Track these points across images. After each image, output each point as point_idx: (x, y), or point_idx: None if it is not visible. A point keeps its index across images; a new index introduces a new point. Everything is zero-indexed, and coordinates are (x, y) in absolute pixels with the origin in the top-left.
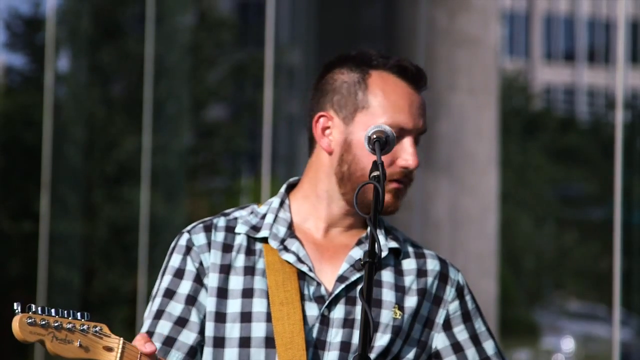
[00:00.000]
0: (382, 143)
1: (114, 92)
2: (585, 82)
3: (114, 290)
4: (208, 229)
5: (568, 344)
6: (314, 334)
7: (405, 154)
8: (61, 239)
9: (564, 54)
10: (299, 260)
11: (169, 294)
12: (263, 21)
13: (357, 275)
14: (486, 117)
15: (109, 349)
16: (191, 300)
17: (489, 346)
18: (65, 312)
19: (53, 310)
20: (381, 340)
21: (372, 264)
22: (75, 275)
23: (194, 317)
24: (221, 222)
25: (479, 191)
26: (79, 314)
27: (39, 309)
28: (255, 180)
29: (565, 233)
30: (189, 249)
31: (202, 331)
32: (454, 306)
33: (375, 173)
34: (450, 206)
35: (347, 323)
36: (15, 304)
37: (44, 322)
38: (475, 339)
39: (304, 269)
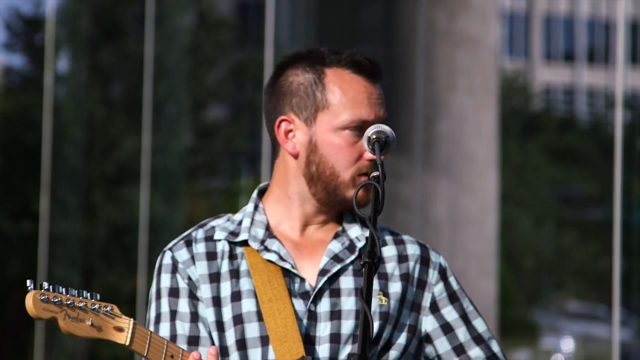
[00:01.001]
0: (382, 143)
1: (113, 92)
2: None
3: (113, 291)
4: (188, 243)
5: (568, 344)
6: (303, 330)
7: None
8: (61, 239)
9: (563, 54)
10: (281, 258)
11: (174, 315)
12: (263, 21)
13: (338, 266)
14: (486, 117)
15: (120, 329)
16: (195, 316)
17: (479, 324)
18: (76, 291)
19: (64, 289)
20: (378, 329)
21: (371, 264)
22: (74, 276)
23: (203, 332)
24: (200, 234)
25: (478, 191)
26: (89, 294)
27: (51, 287)
28: (254, 180)
29: (565, 233)
30: (174, 266)
31: (213, 342)
32: (439, 288)
33: (375, 173)
34: (450, 206)
35: (334, 315)
36: (28, 281)
37: (56, 300)
38: (465, 318)
39: (287, 266)
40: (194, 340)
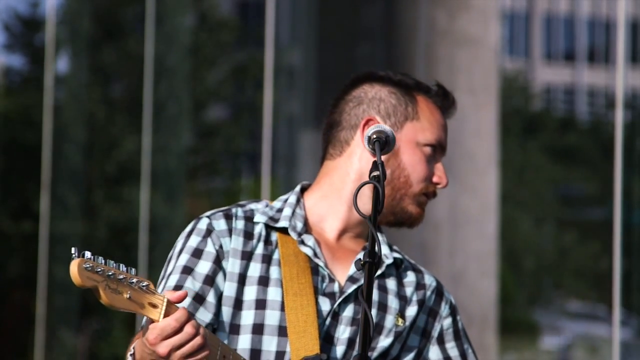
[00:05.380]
0: (382, 143)
1: (114, 92)
2: (585, 82)
3: None
4: (228, 217)
5: (568, 344)
6: (325, 328)
7: (439, 171)
8: (61, 239)
9: (564, 54)
10: (315, 255)
11: (187, 270)
12: (263, 21)
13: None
14: (486, 117)
15: (154, 306)
16: (210, 280)
17: None
18: (115, 264)
19: (104, 260)
20: (384, 342)
21: (372, 263)
22: None
23: (211, 298)
24: (240, 212)
25: (478, 191)
26: (127, 267)
27: (93, 256)
28: (255, 180)
29: (565, 233)
30: (209, 231)
31: (217, 313)
32: (447, 322)
33: (375, 173)
34: (450, 206)
35: (355, 322)
36: (73, 249)
37: (99, 270)
38: (463, 356)
39: (321, 263)
40: (199, 298)
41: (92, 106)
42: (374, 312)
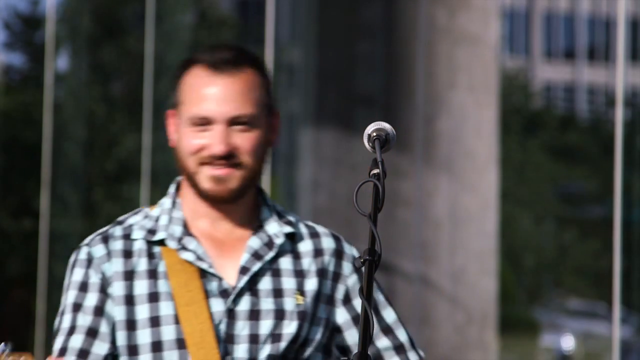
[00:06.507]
0: (382, 141)
1: (114, 90)
2: (585, 79)
3: None
4: (105, 239)
5: (568, 342)
6: (223, 329)
7: (211, 139)
8: (61, 237)
9: (564, 52)
10: (199, 258)
11: (77, 307)
12: (263, 19)
13: (258, 265)
14: (486, 115)
15: None
16: (99, 311)
17: (388, 314)
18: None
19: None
20: (289, 327)
21: (372, 261)
22: None
23: (104, 328)
24: (117, 231)
25: (479, 189)
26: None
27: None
28: None
29: (565, 231)
30: (89, 261)
31: (113, 341)
32: (352, 280)
33: (375, 171)
34: (450, 204)
35: (253, 315)
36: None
37: None
38: (374, 309)
39: (204, 266)
40: (92, 333)
41: (92, 104)
42: (269, 300)
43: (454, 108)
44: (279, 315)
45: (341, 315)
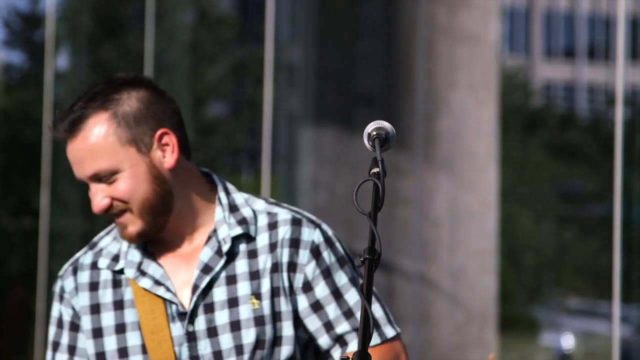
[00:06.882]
0: (382, 140)
1: None
2: (585, 78)
3: None
4: (75, 270)
5: (568, 341)
6: (186, 354)
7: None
8: (61, 236)
9: (563, 51)
10: (156, 282)
11: (55, 346)
12: (263, 18)
13: (207, 278)
14: (486, 113)
15: None
16: (72, 349)
17: (350, 297)
18: None
19: None
20: (247, 337)
21: (372, 260)
22: None
23: None
24: (87, 258)
25: (478, 188)
26: None
27: None
28: (255, 177)
29: (565, 230)
30: (61, 297)
31: None
32: (310, 267)
33: (375, 169)
34: (450, 203)
35: (211, 332)
36: None
37: None
38: (336, 293)
39: (159, 292)
40: None
41: None
42: (225, 312)
43: (454, 107)
44: (235, 326)
45: (301, 303)
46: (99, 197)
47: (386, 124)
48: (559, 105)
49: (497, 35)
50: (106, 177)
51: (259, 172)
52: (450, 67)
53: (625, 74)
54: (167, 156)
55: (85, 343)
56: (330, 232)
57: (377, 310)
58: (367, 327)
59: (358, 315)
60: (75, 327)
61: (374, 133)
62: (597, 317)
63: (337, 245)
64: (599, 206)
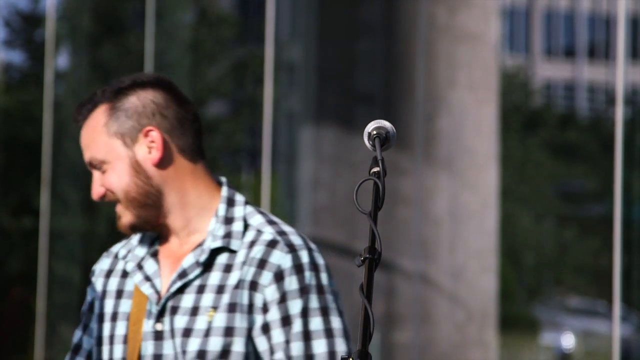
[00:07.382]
0: (382, 139)
1: None
2: (585, 78)
3: None
4: (104, 257)
5: (568, 340)
6: (151, 350)
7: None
8: (61, 235)
9: (564, 50)
10: (146, 279)
11: (81, 322)
12: (263, 17)
13: (179, 284)
14: (486, 113)
15: None
16: (85, 328)
17: (297, 325)
18: None
19: None
20: (193, 345)
21: (372, 260)
22: (75, 272)
23: (85, 344)
24: (117, 247)
25: (479, 187)
26: None
27: None
28: (255, 176)
29: (565, 229)
30: (90, 279)
31: (89, 356)
32: (270, 290)
33: (375, 169)
34: (450, 202)
35: (176, 333)
36: None
37: None
38: (285, 320)
39: (143, 288)
40: (75, 349)
41: None
42: (185, 318)
43: (454, 106)
44: (186, 333)
45: (257, 323)
46: (97, 185)
47: (386, 123)
48: (559, 105)
49: (497, 34)
50: (98, 165)
51: (259, 172)
52: (450, 66)
53: (625, 74)
54: (153, 153)
55: (93, 326)
56: (305, 260)
57: (296, 327)
58: (367, 326)
59: (297, 345)
60: (92, 308)
61: (374, 132)
62: (597, 316)
63: (308, 273)
64: (599, 205)
